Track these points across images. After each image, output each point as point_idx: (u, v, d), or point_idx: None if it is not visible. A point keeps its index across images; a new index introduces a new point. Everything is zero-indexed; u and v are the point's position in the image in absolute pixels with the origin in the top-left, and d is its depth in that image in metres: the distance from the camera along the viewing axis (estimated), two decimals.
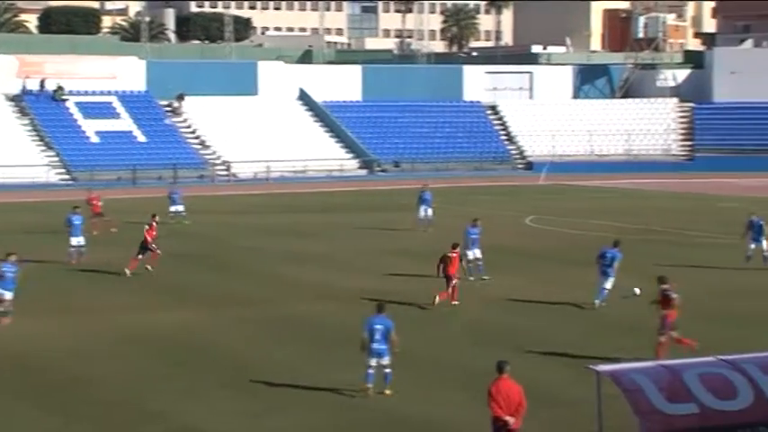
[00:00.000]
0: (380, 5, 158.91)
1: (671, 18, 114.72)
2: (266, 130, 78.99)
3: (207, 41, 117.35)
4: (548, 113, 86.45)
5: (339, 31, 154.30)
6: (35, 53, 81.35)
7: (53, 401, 19.93)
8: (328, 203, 58.34)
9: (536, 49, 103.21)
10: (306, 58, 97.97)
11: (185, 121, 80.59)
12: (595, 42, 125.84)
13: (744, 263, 34.14)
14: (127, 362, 22.87)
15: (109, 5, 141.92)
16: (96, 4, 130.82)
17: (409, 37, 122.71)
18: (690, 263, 35.24)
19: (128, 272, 32.93)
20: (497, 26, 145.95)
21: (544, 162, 79.49)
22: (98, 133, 76.61)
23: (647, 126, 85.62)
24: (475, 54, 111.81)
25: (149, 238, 33.63)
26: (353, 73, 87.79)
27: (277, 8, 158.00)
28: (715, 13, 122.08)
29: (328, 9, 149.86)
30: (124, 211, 51.17)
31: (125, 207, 54.99)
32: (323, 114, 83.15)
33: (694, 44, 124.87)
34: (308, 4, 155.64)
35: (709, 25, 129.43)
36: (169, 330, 25.74)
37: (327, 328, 25.91)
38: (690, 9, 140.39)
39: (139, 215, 50.51)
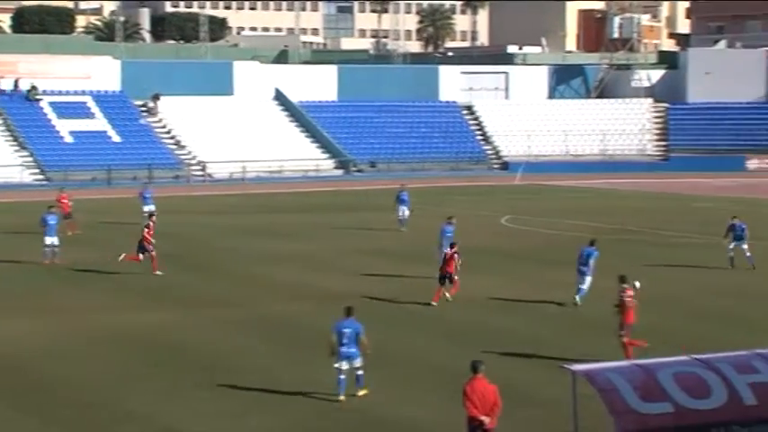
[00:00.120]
0: (356, 5, 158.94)
1: (645, 19, 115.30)
2: (242, 131, 78.80)
3: (182, 41, 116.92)
4: (523, 113, 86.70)
5: (315, 31, 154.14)
6: (8, 53, 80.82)
7: (29, 402, 19.84)
8: (304, 204, 58.29)
9: (512, 49, 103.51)
10: (281, 58, 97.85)
11: (160, 121, 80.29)
12: (571, 43, 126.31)
13: (728, 265, 34.32)
14: (104, 362, 22.78)
15: (83, 5, 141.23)
16: (70, 4, 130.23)
17: (385, 37, 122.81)
18: (665, 262, 35.45)
19: (121, 257, 33.46)
20: (473, 26, 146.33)
21: (520, 162, 79.73)
22: (72, 133, 76.22)
23: (622, 126, 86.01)
24: (451, 54, 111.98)
25: (148, 238, 33.80)
26: (329, 73, 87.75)
27: (252, 8, 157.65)
28: (689, 13, 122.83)
29: (304, 9, 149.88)
30: (98, 211, 51.03)
31: (99, 207, 54.78)
32: (299, 114, 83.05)
33: (669, 45, 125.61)
34: (284, 4, 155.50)
35: (684, 26, 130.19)
36: (146, 331, 25.66)
37: (304, 328, 25.90)
38: (664, 10, 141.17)
39: (114, 215, 50.46)
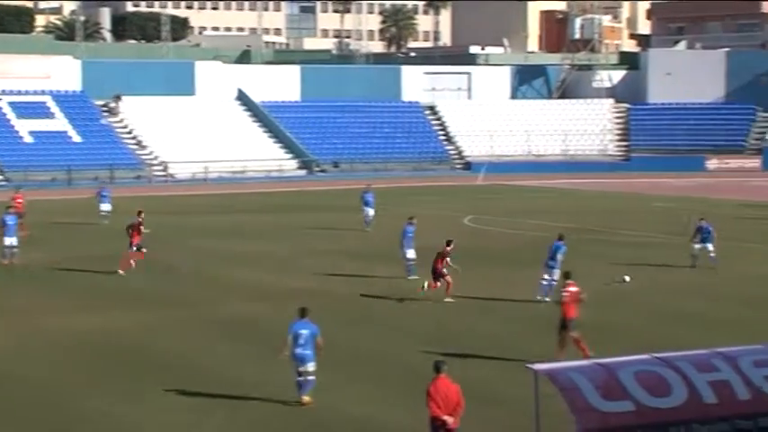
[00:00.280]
0: (319, 5, 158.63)
1: (606, 20, 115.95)
2: (204, 131, 78.47)
3: (143, 41, 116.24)
4: (486, 114, 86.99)
5: (277, 31, 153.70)
6: None
7: None
8: (267, 204, 58.11)
9: (474, 49, 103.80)
10: (244, 58, 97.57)
11: (122, 121, 79.78)
12: (533, 43, 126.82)
13: (690, 264, 34.57)
14: (63, 363, 22.57)
15: (42, 4, 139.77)
16: (30, 3, 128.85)
17: (348, 37, 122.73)
18: (626, 261, 35.65)
19: (133, 264, 33.53)
20: (436, 27, 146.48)
21: (482, 162, 79.99)
22: (32, 133, 75.55)
23: (584, 126, 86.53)
24: (413, 54, 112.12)
25: (136, 237, 33.83)
26: (292, 73, 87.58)
27: (214, 8, 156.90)
28: (650, 14, 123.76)
29: (266, 9, 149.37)
30: (55, 211, 50.60)
31: (58, 208, 54.33)
32: (261, 114, 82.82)
33: (630, 45, 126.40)
34: (246, 3, 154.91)
35: (644, 27, 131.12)
36: (105, 331, 25.44)
37: (266, 328, 25.78)
38: (625, 11, 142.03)
39: (70, 216, 50.04)
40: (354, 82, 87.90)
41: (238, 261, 36.49)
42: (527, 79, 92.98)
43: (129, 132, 78.85)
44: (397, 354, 23.25)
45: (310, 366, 19.10)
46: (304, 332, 19.11)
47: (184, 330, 25.80)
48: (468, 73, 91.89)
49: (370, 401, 19.76)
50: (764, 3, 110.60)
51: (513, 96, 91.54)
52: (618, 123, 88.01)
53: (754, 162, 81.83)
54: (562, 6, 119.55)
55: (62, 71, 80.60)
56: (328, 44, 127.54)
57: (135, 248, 33.92)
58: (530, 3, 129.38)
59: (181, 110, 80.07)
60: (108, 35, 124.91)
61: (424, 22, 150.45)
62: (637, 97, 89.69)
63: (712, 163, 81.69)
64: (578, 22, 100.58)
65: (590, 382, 13.19)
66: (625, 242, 41.57)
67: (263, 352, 22.85)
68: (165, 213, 52.83)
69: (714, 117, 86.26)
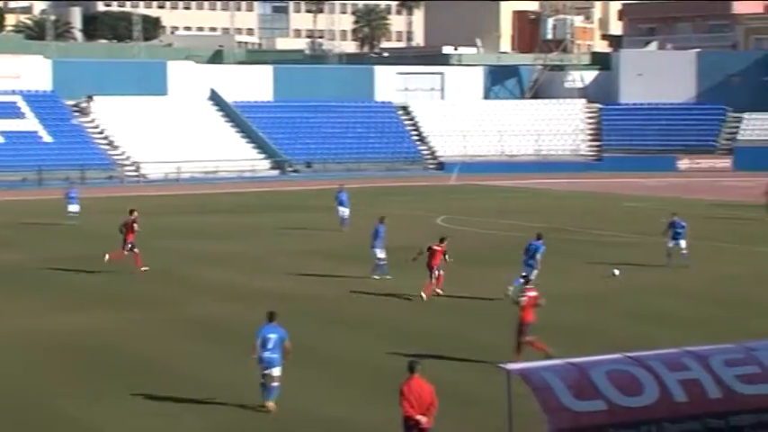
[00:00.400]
0: (291, 5, 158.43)
1: (578, 20, 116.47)
2: (176, 131, 78.17)
3: (115, 41, 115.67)
4: (459, 114, 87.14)
5: (250, 31, 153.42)
6: None
7: None
8: (239, 204, 57.95)
9: (447, 49, 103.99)
10: (216, 58, 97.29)
11: (93, 121, 79.35)
12: (505, 43, 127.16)
13: (666, 260, 34.81)
14: (33, 365, 22.39)
15: (12, 3, 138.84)
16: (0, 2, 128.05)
17: (320, 37, 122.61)
18: (598, 261, 35.79)
19: (143, 269, 33.51)
20: (408, 27, 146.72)
21: (455, 162, 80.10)
22: (2, 133, 75.02)
23: (557, 127, 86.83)
24: (386, 55, 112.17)
25: (130, 235, 33.88)
26: (265, 73, 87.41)
27: (187, 8, 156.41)
28: (621, 15, 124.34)
29: (239, 9, 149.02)
30: (25, 212, 50.23)
31: (27, 208, 53.95)
32: (234, 115, 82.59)
33: (601, 46, 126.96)
34: (219, 3, 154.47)
35: (616, 27, 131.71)
36: (76, 333, 25.28)
37: (238, 329, 25.67)
38: (597, 11, 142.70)
39: (38, 217, 49.68)
40: (327, 82, 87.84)
41: (211, 261, 36.34)
42: (500, 79, 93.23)
43: (101, 132, 78.43)
44: (368, 354, 23.21)
45: (276, 371, 18.82)
46: (272, 336, 18.88)
47: (156, 331, 25.66)
48: (441, 73, 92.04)
49: (342, 402, 19.72)
50: (735, 3, 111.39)
51: (486, 96, 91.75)
52: (590, 123, 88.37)
53: (725, 162, 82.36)
54: (534, 7, 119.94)
55: (32, 71, 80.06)
56: (301, 44, 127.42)
57: (129, 247, 33.90)
58: (502, 3, 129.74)
59: (153, 110, 79.72)
60: (79, 35, 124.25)
61: (396, 23, 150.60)
62: (609, 97, 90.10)
63: (683, 163, 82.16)
64: (550, 22, 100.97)
65: (562, 381, 13.20)
66: (597, 242, 41.73)
67: (234, 353, 22.76)
68: (138, 214, 52.53)
69: (685, 117, 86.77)
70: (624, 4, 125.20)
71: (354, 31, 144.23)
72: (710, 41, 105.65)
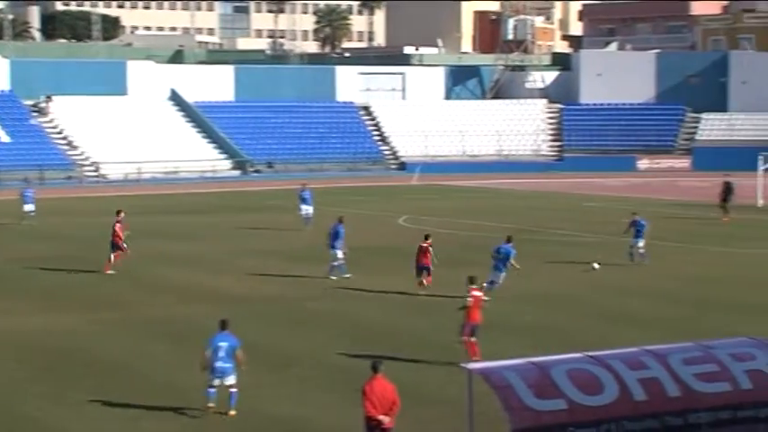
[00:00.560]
0: (252, 5, 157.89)
1: (539, 21, 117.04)
2: (137, 131, 77.66)
3: (74, 40, 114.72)
4: (420, 114, 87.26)
5: (210, 31, 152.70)
6: None
7: None
8: (201, 204, 57.67)
9: (408, 50, 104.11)
10: (177, 57, 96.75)
11: (52, 121, 78.65)
12: (466, 44, 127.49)
13: (628, 259, 35.14)
14: None
15: None
16: None
17: (282, 37, 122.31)
18: (559, 260, 36.00)
19: (109, 271, 33.29)
20: (370, 27, 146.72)
21: (417, 162, 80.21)
22: None
23: (518, 127, 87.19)
24: (348, 55, 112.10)
25: (120, 235, 33.87)
26: (226, 73, 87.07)
27: (146, 7, 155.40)
28: (581, 16, 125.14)
29: (199, 9, 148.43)
30: None
31: None
32: (195, 115, 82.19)
33: (562, 46, 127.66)
34: (179, 3, 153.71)
35: (576, 28, 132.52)
36: (37, 334, 25.07)
37: (200, 330, 25.53)
38: (557, 12, 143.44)
39: (0, 217, 49.21)
40: (288, 82, 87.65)
41: (173, 262, 36.14)
42: (461, 80, 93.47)
43: (60, 133, 77.75)
44: (330, 354, 23.18)
45: (230, 380, 18.61)
46: (223, 344, 18.63)
47: (119, 333, 25.49)
48: (402, 73, 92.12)
49: (305, 403, 19.69)
50: (693, 5, 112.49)
51: (448, 97, 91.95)
52: (551, 124, 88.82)
53: (684, 162, 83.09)
54: (495, 7, 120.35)
55: None
56: (262, 44, 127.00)
57: (123, 246, 34.03)
58: (463, 3, 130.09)
59: (113, 110, 79.15)
60: (37, 34, 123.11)
61: (358, 23, 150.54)
62: (569, 98, 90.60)
63: (643, 163, 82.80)
64: (511, 23, 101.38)
65: (523, 380, 13.28)
66: (558, 241, 41.96)
67: (198, 356, 22.66)
68: (98, 215, 52.17)
69: (645, 117, 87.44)
70: (584, 5, 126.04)
71: (316, 31, 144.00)
72: (669, 42, 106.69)
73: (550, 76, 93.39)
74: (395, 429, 15.56)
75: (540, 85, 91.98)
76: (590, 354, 14.16)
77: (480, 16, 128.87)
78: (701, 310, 27.98)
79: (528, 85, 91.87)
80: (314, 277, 32.57)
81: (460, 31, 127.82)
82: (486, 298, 28.56)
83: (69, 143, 76.85)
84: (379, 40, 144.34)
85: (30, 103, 78.67)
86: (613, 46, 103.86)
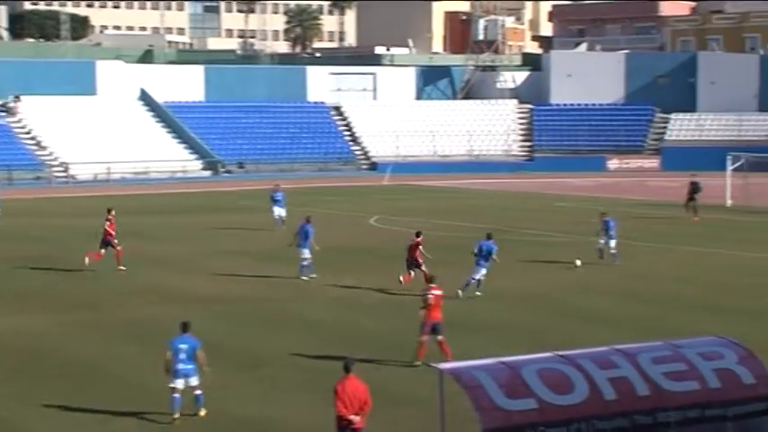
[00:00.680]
0: (223, 5, 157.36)
1: (509, 21, 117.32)
2: (106, 131, 77.25)
3: (42, 40, 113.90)
4: (391, 114, 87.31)
5: (180, 31, 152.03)
6: None
7: None
8: (171, 205, 57.43)
9: (379, 50, 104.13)
10: (146, 57, 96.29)
11: (20, 121, 78.07)
12: (437, 44, 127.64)
13: (599, 256, 35.34)
14: None
15: None
16: None
17: (252, 37, 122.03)
18: (530, 260, 36.12)
19: (87, 260, 33.47)
20: (341, 27, 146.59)
21: (388, 163, 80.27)
22: None
23: (489, 127, 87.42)
24: (318, 55, 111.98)
25: (111, 233, 33.89)
26: (196, 73, 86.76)
27: (116, 6, 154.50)
28: (551, 17, 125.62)
29: (169, 8, 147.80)
30: None
31: None
32: (165, 115, 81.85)
33: (532, 47, 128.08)
34: (149, 3, 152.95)
35: (546, 29, 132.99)
36: (7, 336, 24.88)
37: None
38: (528, 12, 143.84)
39: None
40: (259, 82, 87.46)
41: (144, 263, 35.96)
42: (432, 80, 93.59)
43: (28, 133, 77.21)
44: (301, 355, 23.15)
45: (193, 381, 18.50)
46: (183, 346, 18.51)
47: (91, 333, 25.35)
48: (373, 73, 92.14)
49: (274, 404, 19.66)
50: (661, 5, 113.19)
51: (419, 97, 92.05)
52: (521, 124, 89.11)
53: (653, 162, 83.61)
54: (466, 8, 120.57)
55: None
56: (232, 44, 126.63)
57: (116, 243, 34.09)
58: (434, 4, 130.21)
59: (82, 110, 78.70)
60: (5, 33, 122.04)
61: (329, 23, 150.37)
62: (539, 98, 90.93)
63: (613, 163, 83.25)
64: (482, 23, 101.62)
65: (494, 380, 13.31)
66: (529, 241, 42.10)
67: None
68: (67, 215, 51.89)
69: (614, 118, 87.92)
70: (554, 6, 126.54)
71: (286, 31, 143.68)
72: (638, 43, 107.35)
73: (521, 76, 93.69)
74: (366, 429, 15.57)
75: (511, 86, 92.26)
76: (560, 353, 14.22)
77: (451, 17, 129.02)
78: (670, 309, 28.16)
79: (498, 86, 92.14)
80: (285, 278, 32.52)
81: (431, 31, 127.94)
82: (477, 293, 28.99)
83: (38, 143, 76.34)
84: (350, 40, 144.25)
85: None
86: (583, 47, 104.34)
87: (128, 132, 77.96)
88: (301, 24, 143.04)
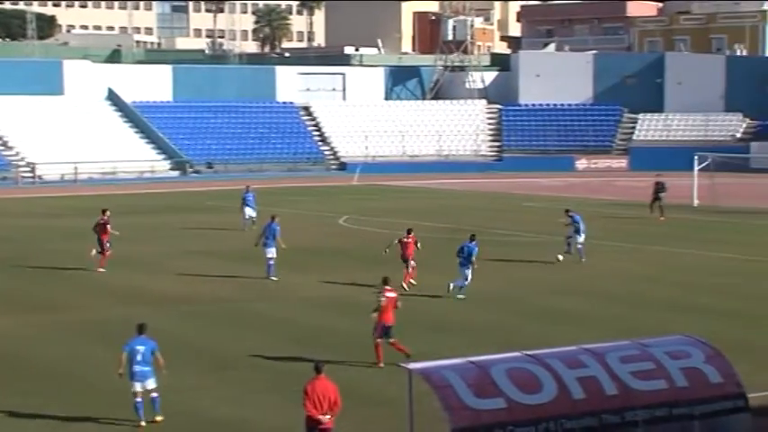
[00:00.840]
0: (191, 5, 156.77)
1: (478, 21, 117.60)
2: (73, 131, 76.75)
3: (8, 39, 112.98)
4: (360, 114, 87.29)
5: (149, 31, 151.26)
6: None
7: None
8: (139, 205, 57.10)
9: (348, 50, 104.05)
10: (114, 57, 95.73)
11: None
12: (406, 44, 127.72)
13: (566, 251, 35.67)
14: None
15: None
16: None
17: (221, 37, 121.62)
18: (498, 259, 36.20)
19: (101, 270, 33.54)
20: (310, 27, 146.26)
21: (357, 163, 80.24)
22: None
23: (458, 127, 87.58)
24: (287, 55, 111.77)
25: (105, 235, 33.99)
26: (164, 73, 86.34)
27: (83, 6, 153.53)
28: (520, 17, 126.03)
29: (137, 8, 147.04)
30: None
31: None
32: (132, 115, 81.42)
33: (501, 47, 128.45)
34: (116, 2, 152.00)
35: (515, 29, 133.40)
36: None
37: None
38: (496, 13, 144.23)
39: None
40: (228, 82, 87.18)
41: (112, 263, 35.70)
42: (401, 80, 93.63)
43: None
44: (269, 356, 23.08)
45: (150, 384, 18.26)
46: (141, 348, 18.27)
47: (52, 336, 25.14)
48: (342, 74, 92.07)
49: (243, 404, 19.59)
50: (629, 5, 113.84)
51: (388, 97, 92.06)
52: (490, 124, 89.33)
53: (621, 162, 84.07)
54: (435, 8, 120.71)
55: None
56: (201, 44, 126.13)
57: (108, 245, 34.07)
58: (403, 4, 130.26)
59: (48, 110, 78.14)
60: None
61: (297, 23, 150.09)
62: (508, 98, 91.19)
63: (581, 163, 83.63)
64: (451, 23, 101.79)
65: (463, 379, 13.33)
66: (498, 241, 42.19)
67: None
68: (34, 216, 51.51)
69: (583, 118, 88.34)
70: (522, 6, 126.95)
71: (255, 31, 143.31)
72: (606, 43, 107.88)
73: (490, 76, 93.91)
74: (336, 429, 15.55)
75: (480, 86, 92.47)
76: (529, 353, 14.26)
77: (420, 17, 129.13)
78: (637, 308, 28.31)
79: (467, 86, 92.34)
80: (253, 278, 32.43)
81: (400, 31, 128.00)
82: (460, 296, 28.98)
83: (4, 143, 75.72)
84: (319, 40, 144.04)
85: None
86: (551, 47, 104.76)
87: (95, 132, 77.48)
88: (270, 24, 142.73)
